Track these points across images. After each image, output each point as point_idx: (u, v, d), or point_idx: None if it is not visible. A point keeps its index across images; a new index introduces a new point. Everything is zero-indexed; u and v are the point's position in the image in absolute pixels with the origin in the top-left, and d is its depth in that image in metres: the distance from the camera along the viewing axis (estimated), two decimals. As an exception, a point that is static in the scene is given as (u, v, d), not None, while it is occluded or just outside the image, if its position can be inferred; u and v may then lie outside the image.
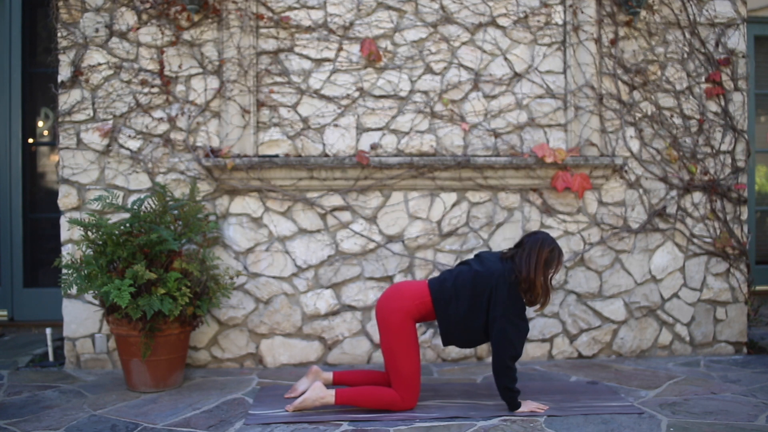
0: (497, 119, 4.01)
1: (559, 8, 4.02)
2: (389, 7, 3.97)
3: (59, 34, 3.86)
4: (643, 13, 4.06)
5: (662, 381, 3.53)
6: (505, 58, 4.02)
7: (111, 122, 3.87)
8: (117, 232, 3.38)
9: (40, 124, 4.97)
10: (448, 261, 3.97)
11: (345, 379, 3.24)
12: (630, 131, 4.06)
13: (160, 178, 3.88)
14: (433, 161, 3.87)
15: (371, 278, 3.95)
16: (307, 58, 3.94)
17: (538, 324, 3.99)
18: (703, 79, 4.11)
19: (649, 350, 4.09)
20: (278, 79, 3.94)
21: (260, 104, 3.92)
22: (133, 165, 3.88)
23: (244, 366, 3.93)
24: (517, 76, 4.03)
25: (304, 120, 3.94)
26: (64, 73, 3.86)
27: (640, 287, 4.08)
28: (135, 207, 3.52)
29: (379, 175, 3.90)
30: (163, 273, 3.37)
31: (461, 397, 3.26)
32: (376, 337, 3.94)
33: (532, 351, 4.02)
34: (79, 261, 3.44)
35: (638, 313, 4.08)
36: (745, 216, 4.14)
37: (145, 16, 3.88)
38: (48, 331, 4.08)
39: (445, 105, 3.98)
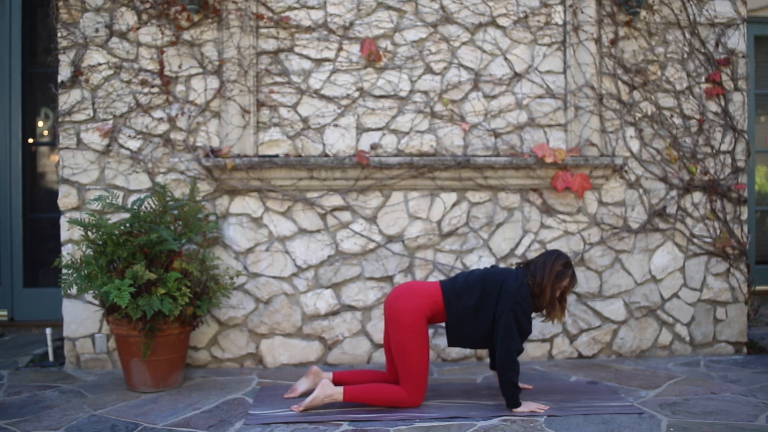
0: (497, 119, 4.01)
1: (559, 8, 4.02)
2: (389, 7, 3.97)
3: (59, 34, 3.86)
4: (643, 13, 4.06)
5: (662, 381, 3.53)
6: (505, 58, 4.02)
7: (111, 122, 3.87)
8: (117, 232, 3.38)
9: (40, 124, 4.97)
10: (448, 261, 3.98)
11: (345, 379, 3.25)
12: (630, 131, 4.06)
13: (160, 178, 3.88)
14: (433, 161, 3.87)
15: (371, 278, 3.95)
16: (307, 58, 3.94)
17: (539, 324, 3.99)
18: (703, 79, 4.11)
19: (649, 350, 4.09)
20: (278, 79, 3.94)
21: (260, 104, 3.92)
22: (133, 165, 3.88)
23: (244, 366, 3.93)
24: (517, 76, 4.03)
25: (304, 120, 3.94)
26: (64, 73, 3.86)
27: (640, 287, 4.08)
28: (135, 207, 3.52)
29: (379, 175, 3.90)
30: (163, 273, 3.37)
31: (461, 397, 3.26)
32: (376, 337, 3.94)
33: (532, 351, 4.02)
34: (79, 261, 3.44)
35: (638, 313, 4.08)
36: (745, 216, 4.14)
37: (145, 16, 3.88)
38: (48, 331, 4.08)
39: (445, 105, 3.98)
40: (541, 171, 3.94)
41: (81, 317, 3.86)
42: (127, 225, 3.43)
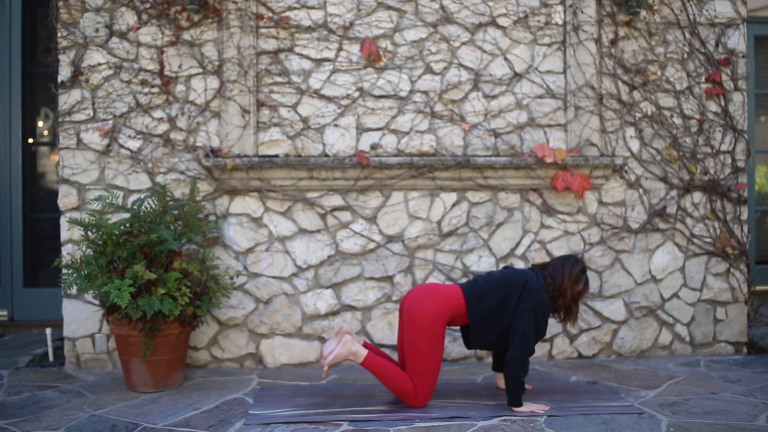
0: (497, 119, 4.01)
1: (559, 8, 4.02)
2: (389, 7, 3.97)
3: (59, 34, 3.86)
4: (643, 13, 4.06)
5: (662, 381, 3.53)
6: (505, 58, 4.02)
7: (111, 122, 3.87)
8: (117, 232, 3.38)
9: (40, 124, 4.97)
10: (448, 261, 3.98)
11: (373, 351, 3.19)
12: (630, 131, 4.06)
13: (160, 178, 3.88)
14: (433, 161, 3.87)
15: (371, 278, 3.95)
16: (307, 58, 3.94)
17: (538, 324, 4.00)
18: (703, 79, 4.11)
19: (649, 350, 4.09)
20: (278, 79, 3.94)
21: (260, 104, 3.92)
22: (133, 165, 3.88)
23: (244, 366, 3.93)
24: (517, 76, 4.03)
25: (304, 120, 3.94)
26: (64, 73, 3.86)
27: (640, 287, 4.08)
28: (135, 207, 3.52)
29: (379, 175, 3.90)
30: (163, 273, 3.37)
31: (461, 397, 3.26)
32: (377, 337, 3.94)
33: (532, 351, 4.02)
34: (79, 261, 3.44)
35: (638, 313, 4.08)
36: (745, 216, 4.14)
37: (145, 16, 3.88)
38: (48, 331, 4.08)
39: (445, 105, 3.98)
40: (541, 171, 3.94)
41: (81, 317, 3.86)
42: (127, 225, 3.43)
